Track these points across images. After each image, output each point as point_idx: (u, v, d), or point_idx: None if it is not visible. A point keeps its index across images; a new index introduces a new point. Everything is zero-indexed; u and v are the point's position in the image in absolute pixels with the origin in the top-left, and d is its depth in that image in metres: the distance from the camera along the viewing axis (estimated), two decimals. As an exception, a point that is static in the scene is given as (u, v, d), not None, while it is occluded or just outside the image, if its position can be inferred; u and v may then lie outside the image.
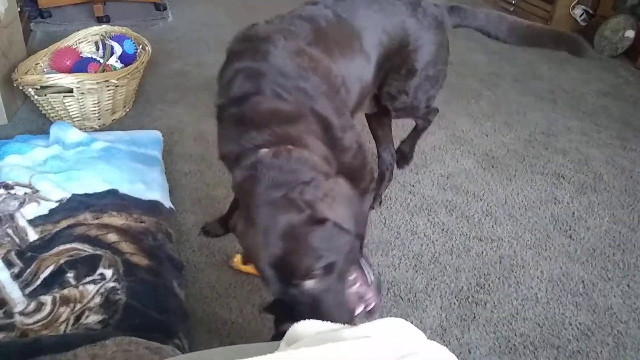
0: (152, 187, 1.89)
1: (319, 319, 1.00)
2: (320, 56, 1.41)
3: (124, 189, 1.84)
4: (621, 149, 2.58)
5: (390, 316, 1.63)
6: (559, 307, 1.72)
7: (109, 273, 1.53)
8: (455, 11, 1.88)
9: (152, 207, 1.81)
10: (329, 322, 0.84)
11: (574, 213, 2.13)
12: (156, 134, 2.22)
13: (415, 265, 1.84)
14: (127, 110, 2.59)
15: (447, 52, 1.86)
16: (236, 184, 1.21)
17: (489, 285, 1.78)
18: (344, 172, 1.26)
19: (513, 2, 4.41)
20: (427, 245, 1.93)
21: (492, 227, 2.03)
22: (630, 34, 3.60)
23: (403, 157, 2.19)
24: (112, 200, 1.78)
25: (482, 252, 1.91)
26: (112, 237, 1.64)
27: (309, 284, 1.07)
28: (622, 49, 3.64)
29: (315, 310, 1.07)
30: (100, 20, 3.59)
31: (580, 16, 3.98)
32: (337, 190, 1.14)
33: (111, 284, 1.50)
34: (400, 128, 2.39)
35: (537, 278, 1.82)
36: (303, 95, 1.28)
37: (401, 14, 1.71)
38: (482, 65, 3.39)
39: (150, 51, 2.60)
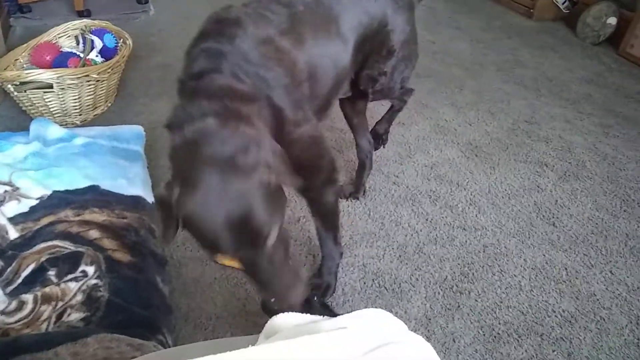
0: (134, 183, 1.87)
1: (276, 285, 1.05)
2: (289, 47, 1.38)
3: (106, 184, 1.82)
4: (604, 136, 2.60)
5: (375, 307, 1.64)
6: (542, 295, 1.74)
7: (91, 270, 1.52)
8: None
9: (134, 202, 1.80)
10: (283, 287, 0.94)
11: (556, 201, 2.14)
12: (138, 129, 2.20)
13: (400, 256, 1.85)
14: (109, 105, 2.57)
15: (416, 31, 1.85)
16: (175, 146, 1.12)
17: (473, 274, 1.79)
18: (294, 164, 1.21)
19: (496, -9, 4.40)
20: (412, 235, 1.94)
21: (476, 216, 2.04)
22: (613, 20, 3.61)
23: (377, 138, 2.16)
24: (93, 196, 1.77)
25: (466, 242, 1.92)
26: (93, 233, 1.63)
27: (269, 246, 1.05)
28: (605, 36, 3.66)
29: (272, 275, 1.06)
30: (81, 15, 3.54)
31: (563, 3, 3.99)
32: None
33: (93, 281, 1.49)
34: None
35: (521, 266, 1.83)
36: (262, 82, 1.25)
37: None
38: (466, 54, 3.39)
39: (132, 45, 2.57)
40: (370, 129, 2.11)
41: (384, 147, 2.23)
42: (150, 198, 1.87)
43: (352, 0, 1.61)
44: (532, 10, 4.07)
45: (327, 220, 1.62)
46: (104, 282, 1.48)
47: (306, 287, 1.15)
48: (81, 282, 1.49)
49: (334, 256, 1.68)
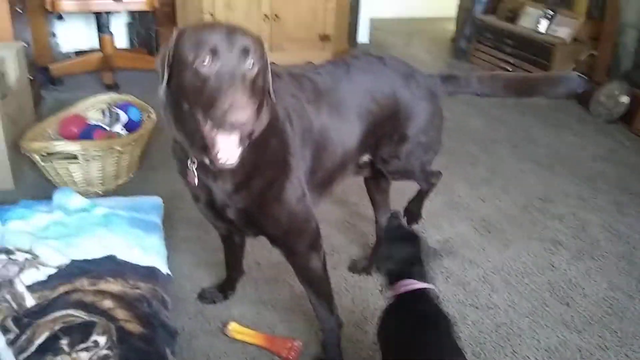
0: (149, 253, 1.92)
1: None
2: (307, 113, 1.55)
3: (122, 254, 1.86)
4: (619, 214, 2.60)
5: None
6: (556, 378, 1.70)
7: (102, 340, 1.54)
8: (449, 80, 1.94)
9: (149, 273, 1.83)
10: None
11: (570, 280, 2.12)
12: (157, 200, 2.26)
13: (411, 333, 1.84)
14: (131, 175, 2.66)
15: (440, 120, 1.91)
16: None
17: (485, 354, 1.77)
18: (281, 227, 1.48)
19: (510, 70, 4.53)
20: (423, 312, 1.93)
21: (489, 294, 2.03)
22: (625, 99, 3.68)
23: (411, 216, 2.20)
24: (110, 266, 1.80)
25: (478, 320, 1.90)
26: (107, 303, 1.65)
27: None
28: (618, 114, 3.71)
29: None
30: (109, 88, 3.71)
31: (576, 83, 4.07)
32: None
33: (104, 352, 1.50)
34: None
35: (534, 347, 1.80)
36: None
37: (393, 84, 1.77)
38: (480, 130, 3.46)
39: (155, 119, 2.68)
40: (404, 208, 2.16)
41: (417, 222, 2.24)
42: (164, 269, 1.91)
43: (364, 90, 1.71)
44: (545, 89, 4.15)
45: (317, 287, 1.64)
46: (114, 353, 1.49)
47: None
48: (92, 352, 1.50)
49: (332, 327, 1.68)
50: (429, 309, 1.39)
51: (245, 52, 1.24)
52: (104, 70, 3.84)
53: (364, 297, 1.99)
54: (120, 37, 4.60)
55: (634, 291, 2.09)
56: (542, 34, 4.35)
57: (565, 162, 3.10)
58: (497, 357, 1.76)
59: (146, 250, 1.94)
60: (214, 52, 1.22)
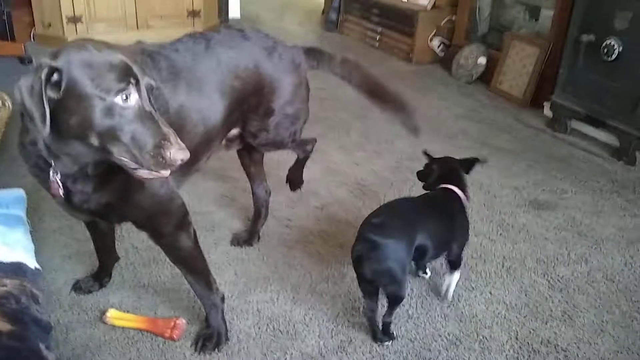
0: (14, 248, 1.81)
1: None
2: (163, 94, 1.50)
3: (-17, 253, 1.74)
4: (479, 167, 2.79)
5: (270, 351, 1.67)
6: (429, 321, 1.83)
7: (-34, 344, 1.44)
8: (312, 54, 1.98)
9: (15, 269, 1.73)
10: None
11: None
12: (18, 192, 2.12)
13: (294, 297, 1.89)
14: (-11, 169, 2.47)
15: (305, 90, 1.95)
16: None
17: (360, 303, 1.86)
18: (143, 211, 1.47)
19: (377, 39, 4.69)
20: (304, 276, 1.99)
21: (365, 251, 2.13)
22: (483, 60, 3.95)
23: (293, 183, 2.26)
24: (-31, 266, 1.69)
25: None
26: (-31, 305, 1.55)
27: None
28: (477, 75, 3.98)
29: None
30: (-43, 78, 3.40)
31: (438, 47, 4.32)
32: None
33: (-31, 355, 1.41)
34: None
35: (408, 295, 1.92)
36: None
37: (256, 58, 1.78)
38: (352, 99, 3.55)
39: (11, 107, 2.51)
40: (286, 176, 2.22)
41: (299, 188, 2.29)
42: (32, 263, 1.81)
43: (227, 65, 1.70)
44: (411, 55, 4.36)
45: (191, 265, 1.64)
46: (-20, 355, 1.41)
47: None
48: (-45, 359, 1.41)
49: (214, 302, 1.68)
50: (453, 201, 1.90)
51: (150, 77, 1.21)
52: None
53: (247, 268, 2.02)
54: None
55: (495, 235, 2.29)
56: (405, 2, 4.53)
57: (431, 123, 3.28)
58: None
59: (10, 245, 1.82)
60: (134, 83, 1.17)
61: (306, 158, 2.19)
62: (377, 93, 2.07)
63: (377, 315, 1.72)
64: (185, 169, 1.61)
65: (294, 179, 2.26)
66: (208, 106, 1.65)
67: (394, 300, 1.69)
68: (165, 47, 1.62)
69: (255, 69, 1.76)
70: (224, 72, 1.68)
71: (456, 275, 1.90)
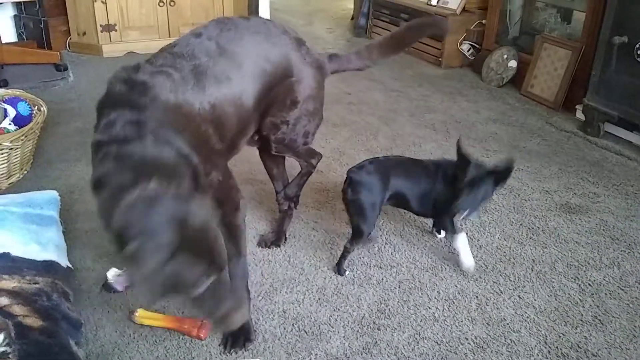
0: (47, 247, 1.86)
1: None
2: (196, 110, 1.54)
3: (17, 251, 1.79)
4: (509, 170, 2.76)
5: (295, 351, 1.67)
6: (455, 324, 1.81)
7: (-1, 338, 1.49)
8: (332, 59, 2.03)
9: (47, 267, 1.78)
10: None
11: (466, 234, 2.24)
12: (52, 194, 2.18)
13: (319, 299, 1.89)
14: (25, 172, 2.54)
15: (323, 94, 1.99)
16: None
17: (390, 309, 1.85)
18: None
19: (407, 42, 4.67)
20: (330, 278, 1.99)
21: (391, 254, 2.12)
22: (513, 63, 3.90)
23: (288, 200, 2.20)
24: (3, 263, 1.73)
25: (383, 279, 1.99)
26: (3, 300, 1.59)
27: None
28: (507, 79, 3.93)
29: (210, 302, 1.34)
30: (-4, 85, 3.51)
31: (468, 51, 4.28)
32: None
33: (2, 349, 1.45)
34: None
35: (435, 298, 1.91)
36: (178, 149, 1.41)
37: (286, 46, 1.82)
38: (380, 103, 3.56)
39: (46, 112, 2.58)
40: (282, 191, 2.21)
41: (295, 208, 2.26)
42: (64, 262, 1.86)
43: (256, 49, 1.73)
44: (440, 59, 4.34)
45: (238, 242, 1.71)
46: (13, 348, 1.45)
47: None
48: (-11, 352, 1.45)
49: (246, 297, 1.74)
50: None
51: None
52: (-11, 67, 3.63)
53: (273, 269, 2.03)
54: (7, 31, 4.35)
55: (525, 238, 2.25)
56: (434, 6, 4.50)
57: (460, 127, 3.26)
58: (400, 311, 1.85)
59: (43, 244, 1.88)
60: None
61: (308, 174, 2.17)
62: (398, 39, 2.14)
63: (352, 251, 1.99)
64: (228, 155, 1.75)
65: (292, 197, 2.20)
66: (240, 93, 1.69)
67: (355, 232, 1.95)
68: (188, 43, 1.67)
69: (286, 56, 1.80)
70: (256, 55, 1.73)
71: (460, 238, 2.00)
